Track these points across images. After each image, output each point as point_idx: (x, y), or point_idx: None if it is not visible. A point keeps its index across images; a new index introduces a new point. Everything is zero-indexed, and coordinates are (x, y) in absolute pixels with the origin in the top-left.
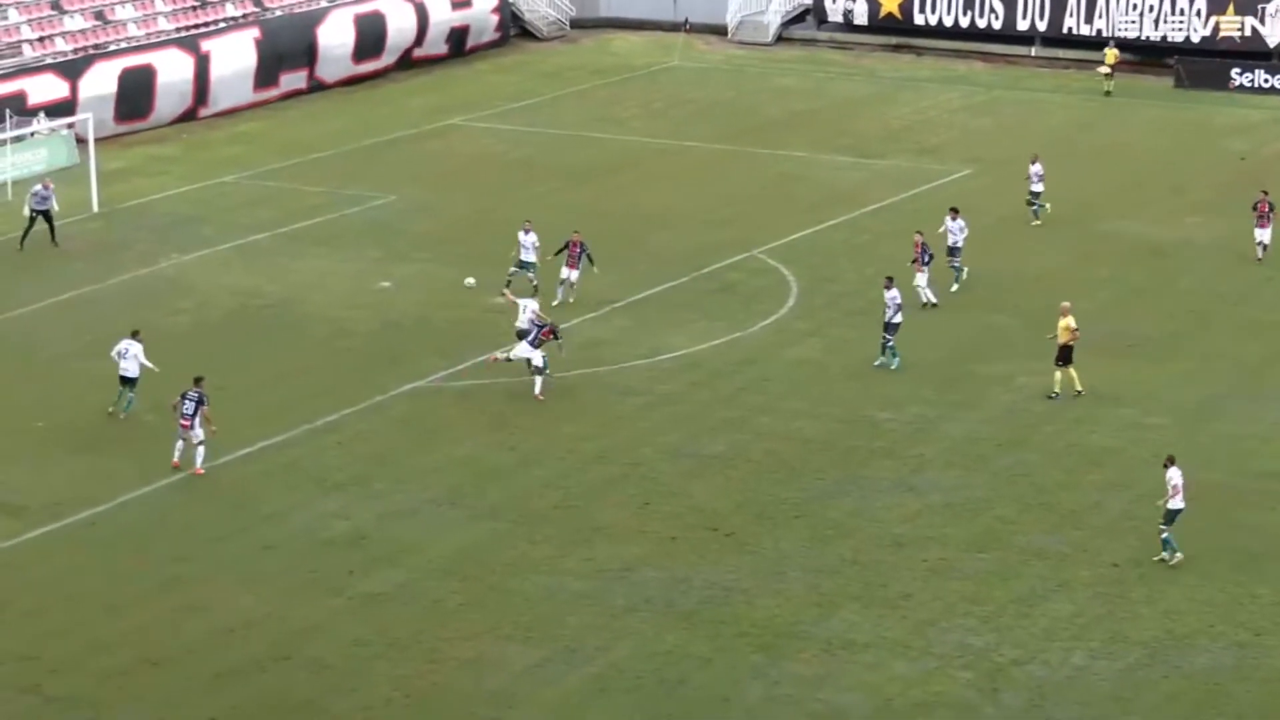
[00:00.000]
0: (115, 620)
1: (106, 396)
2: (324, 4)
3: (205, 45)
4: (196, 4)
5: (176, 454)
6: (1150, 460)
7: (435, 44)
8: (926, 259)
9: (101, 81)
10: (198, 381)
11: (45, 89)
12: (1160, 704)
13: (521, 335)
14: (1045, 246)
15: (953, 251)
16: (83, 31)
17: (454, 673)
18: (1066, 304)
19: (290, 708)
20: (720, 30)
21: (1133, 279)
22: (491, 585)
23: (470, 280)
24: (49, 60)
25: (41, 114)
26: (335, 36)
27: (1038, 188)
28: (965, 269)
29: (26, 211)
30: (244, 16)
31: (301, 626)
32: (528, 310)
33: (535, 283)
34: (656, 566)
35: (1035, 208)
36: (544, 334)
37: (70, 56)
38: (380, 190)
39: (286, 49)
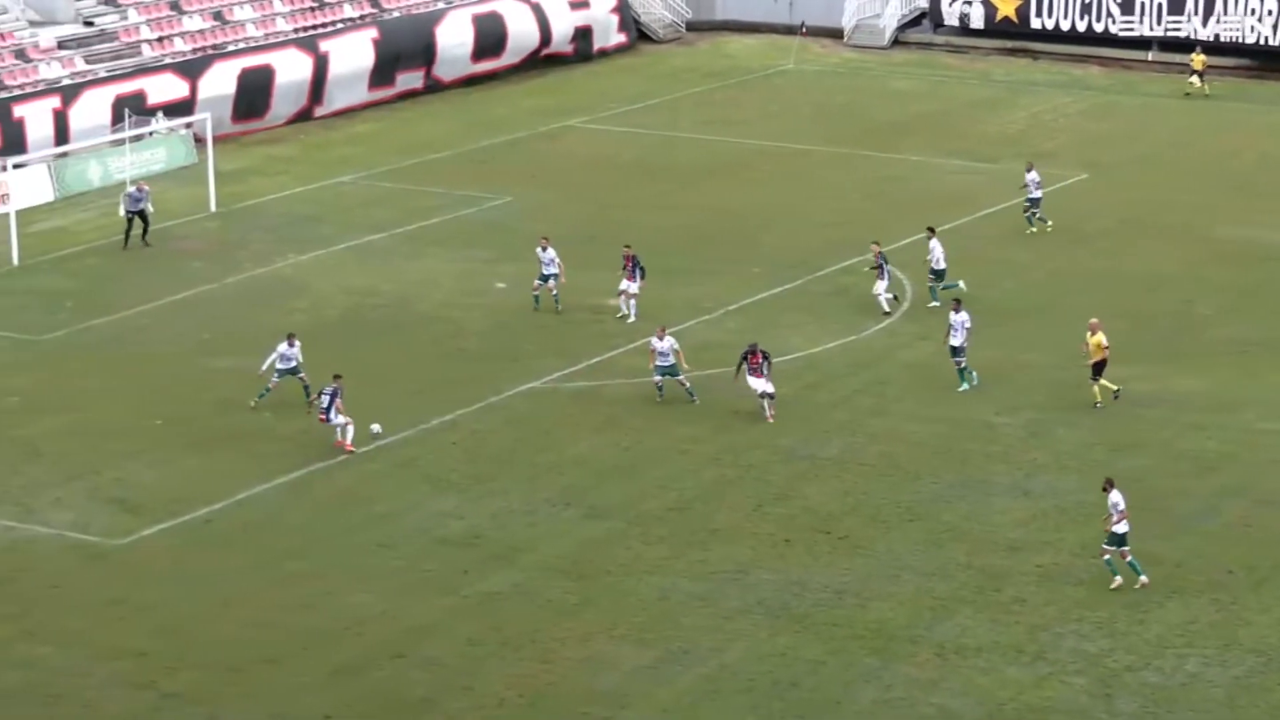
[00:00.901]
0: (231, 617)
1: (224, 394)
2: (441, 5)
3: (324, 45)
4: (314, 5)
5: (339, 433)
6: (1266, 465)
7: (560, 46)
8: (884, 268)
9: (220, 81)
10: (336, 378)
11: (164, 89)
12: (1274, 712)
13: (664, 371)
14: (1161, 251)
15: (936, 274)
16: (201, 32)
17: (567, 672)
18: (1095, 320)
19: (405, 705)
20: (836, 33)
21: (1248, 283)
22: (605, 585)
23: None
24: (168, 60)
25: (160, 113)
26: (454, 37)
27: (1036, 195)
28: (960, 282)
29: (122, 212)
30: (362, 17)
31: (416, 625)
32: (659, 350)
33: (555, 293)
34: (770, 568)
35: (1030, 215)
36: (753, 360)
37: (189, 56)
38: (496, 191)
39: (405, 49)
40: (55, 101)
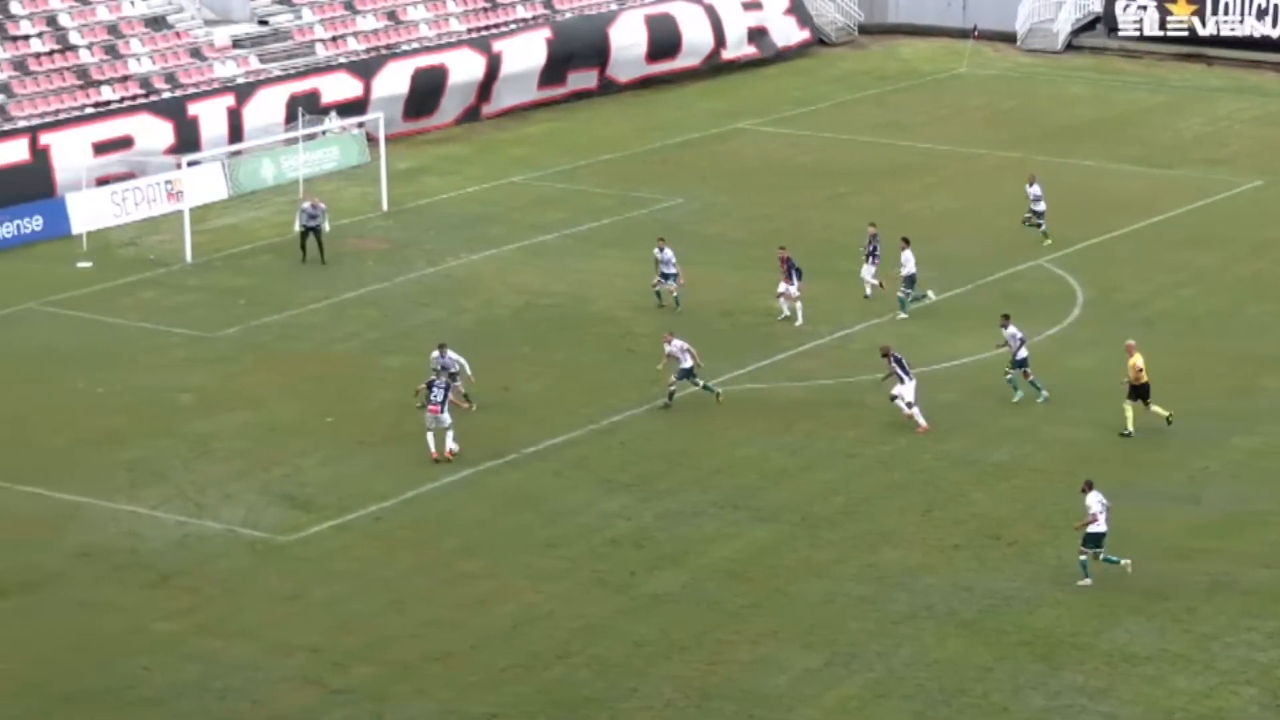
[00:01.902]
0: (400, 614)
1: (394, 393)
2: (614, 6)
3: (497, 46)
4: (487, 5)
5: (433, 447)
6: None
7: (735, 46)
8: (875, 252)
9: (394, 81)
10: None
11: (338, 88)
12: None
13: (686, 374)
14: None
15: (909, 281)
16: (375, 31)
17: (734, 674)
18: (1131, 343)
19: (571, 705)
20: (1009, 37)
21: None
22: (773, 588)
23: None
24: (341, 60)
25: (333, 113)
26: (626, 37)
27: (1039, 208)
28: (929, 293)
29: (297, 229)
30: (535, 18)
31: (584, 625)
32: (679, 353)
33: (676, 294)
34: (937, 574)
35: (1039, 227)
36: (891, 361)
37: (363, 56)
38: (667, 193)
39: (577, 49)
40: (230, 100)
